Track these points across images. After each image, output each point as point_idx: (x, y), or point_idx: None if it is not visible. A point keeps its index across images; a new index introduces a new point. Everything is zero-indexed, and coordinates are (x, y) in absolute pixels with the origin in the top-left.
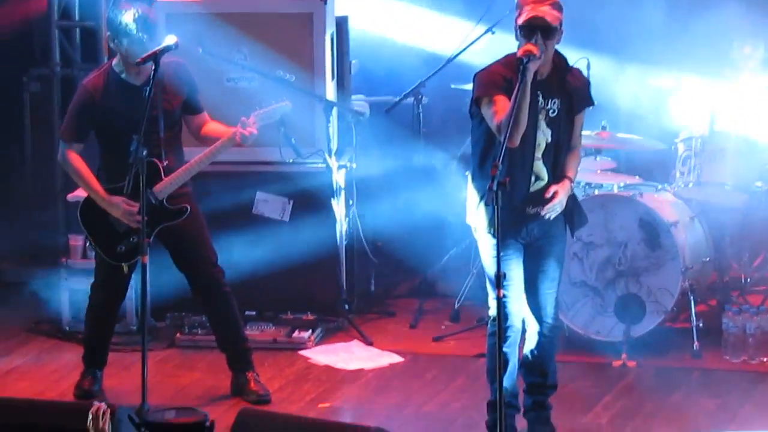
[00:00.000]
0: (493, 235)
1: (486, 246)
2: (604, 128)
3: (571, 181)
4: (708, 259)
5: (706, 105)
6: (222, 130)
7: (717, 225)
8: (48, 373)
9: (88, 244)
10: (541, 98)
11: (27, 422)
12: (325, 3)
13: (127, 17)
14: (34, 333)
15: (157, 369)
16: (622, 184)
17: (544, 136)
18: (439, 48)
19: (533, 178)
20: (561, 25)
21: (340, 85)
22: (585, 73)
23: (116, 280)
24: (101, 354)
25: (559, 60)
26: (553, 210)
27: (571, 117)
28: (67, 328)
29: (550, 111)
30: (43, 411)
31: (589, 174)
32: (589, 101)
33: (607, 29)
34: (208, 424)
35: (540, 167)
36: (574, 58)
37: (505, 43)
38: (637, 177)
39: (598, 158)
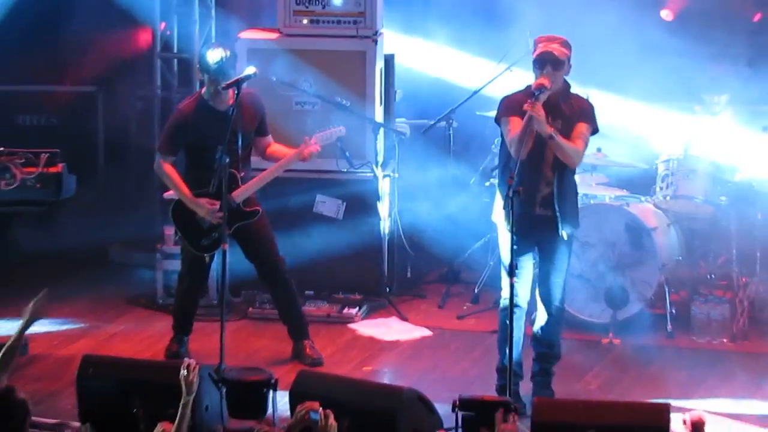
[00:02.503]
0: (510, 231)
1: (504, 240)
2: (599, 150)
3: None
4: (681, 258)
5: (682, 134)
6: (285, 151)
7: (688, 231)
8: (144, 338)
9: (177, 238)
10: (550, 119)
11: (131, 377)
12: (376, 43)
13: (213, 57)
14: (133, 305)
15: (233, 336)
16: (612, 196)
17: (552, 150)
18: (467, 82)
19: (543, 186)
20: (569, 60)
21: (387, 109)
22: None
23: (199, 269)
24: (187, 324)
25: (565, 87)
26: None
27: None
28: (161, 301)
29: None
30: (143, 368)
31: (586, 187)
32: (585, 117)
33: (603, 70)
34: (273, 381)
35: (549, 177)
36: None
37: (520, 79)
38: (625, 190)
39: (593, 174)
